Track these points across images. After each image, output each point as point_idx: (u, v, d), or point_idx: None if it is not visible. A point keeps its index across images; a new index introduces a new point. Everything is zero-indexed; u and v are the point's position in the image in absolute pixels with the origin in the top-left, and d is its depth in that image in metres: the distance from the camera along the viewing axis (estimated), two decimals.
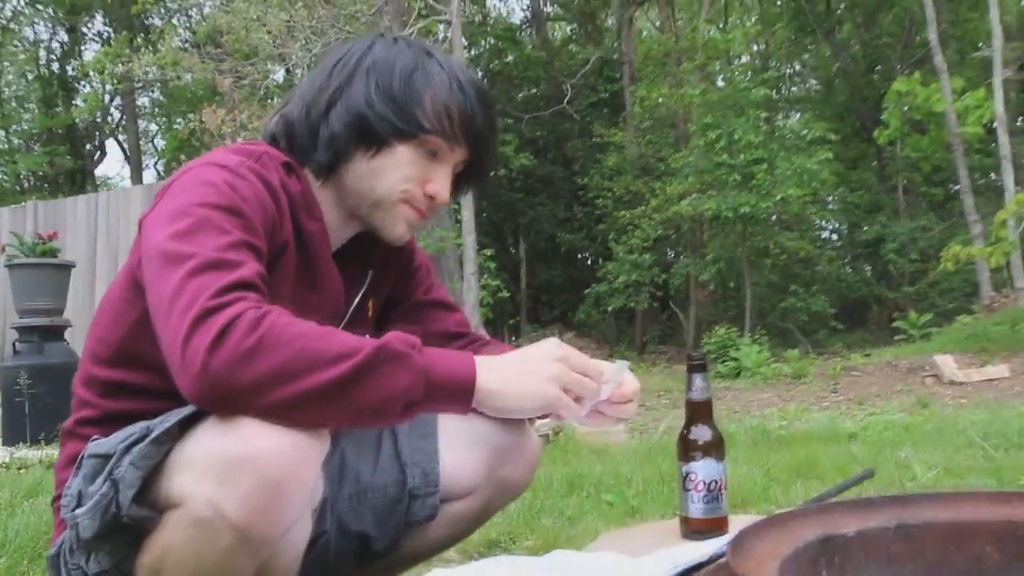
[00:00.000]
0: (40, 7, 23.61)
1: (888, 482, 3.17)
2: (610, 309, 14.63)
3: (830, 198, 16.94)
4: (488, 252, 13.38)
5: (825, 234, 20.94)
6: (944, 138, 13.83)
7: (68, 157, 23.09)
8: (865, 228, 16.53)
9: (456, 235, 11.73)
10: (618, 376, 1.33)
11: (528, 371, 1.25)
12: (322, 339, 1.10)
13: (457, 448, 1.55)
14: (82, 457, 1.24)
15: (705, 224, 14.07)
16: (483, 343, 1.63)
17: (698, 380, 1.55)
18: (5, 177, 23.03)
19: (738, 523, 1.59)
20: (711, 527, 1.54)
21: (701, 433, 1.54)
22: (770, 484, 3.10)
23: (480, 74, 19.48)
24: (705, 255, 14.11)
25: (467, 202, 11.46)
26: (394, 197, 1.39)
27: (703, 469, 1.52)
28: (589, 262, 19.30)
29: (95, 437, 1.33)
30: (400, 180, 1.38)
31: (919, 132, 14.80)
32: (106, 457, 1.18)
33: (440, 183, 1.40)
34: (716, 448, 1.54)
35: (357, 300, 1.52)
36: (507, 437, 1.55)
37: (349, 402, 1.10)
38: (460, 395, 1.20)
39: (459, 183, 1.48)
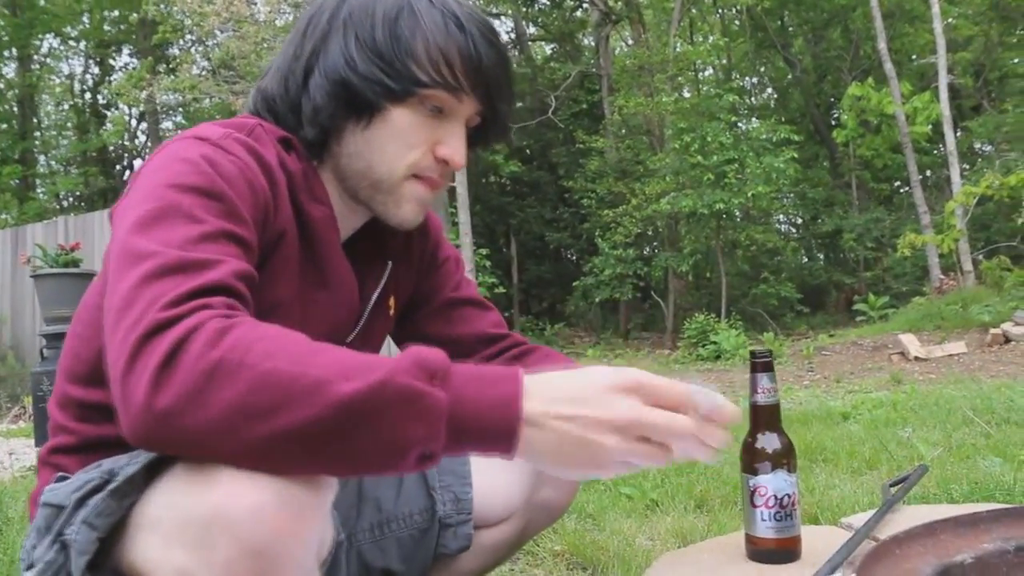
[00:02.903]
0: (73, 43, 23.32)
1: (899, 463, 2.84)
2: (596, 300, 14.31)
3: (790, 195, 16.69)
4: (484, 252, 13.17)
5: (784, 227, 20.81)
6: (895, 137, 13.56)
7: (101, 177, 22.77)
8: (823, 220, 16.30)
9: (455, 237, 11.43)
10: (709, 401, 0.81)
11: (589, 421, 0.77)
12: (300, 360, 0.72)
13: (491, 470, 1.19)
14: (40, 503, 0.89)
15: (682, 220, 13.75)
16: (525, 349, 1.26)
17: (764, 381, 1.20)
18: (46, 197, 22.76)
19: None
20: (783, 547, 1.19)
21: (770, 442, 1.19)
22: None
23: None
24: (682, 248, 13.82)
25: (463, 205, 11.17)
26: (397, 175, 1.02)
27: (774, 483, 1.17)
28: (575, 258, 19.05)
29: (61, 475, 0.98)
30: (403, 151, 1.01)
31: (871, 132, 14.56)
32: (59, 508, 0.83)
33: (453, 144, 1.02)
34: (788, 458, 1.19)
35: (375, 297, 1.15)
36: None
37: (339, 449, 0.71)
38: (497, 446, 0.77)
39: (476, 139, 1.09)
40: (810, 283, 16.81)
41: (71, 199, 24.06)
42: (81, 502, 0.79)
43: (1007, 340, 7.83)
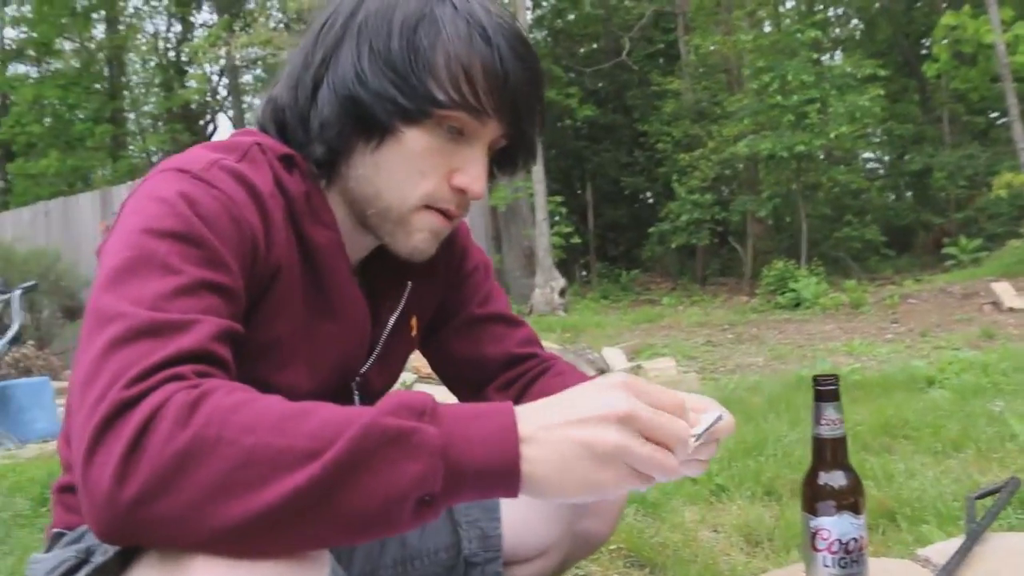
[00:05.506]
0: (155, 3, 23.81)
1: (988, 444, 2.63)
2: (673, 246, 13.98)
3: (878, 131, 15.82)
4: (558, 199, 12.98)
5: (870, 165, 19.86)
6: (992, 69, 12.63)
7: (187, 133, 23.34)
8: (912, 158, 15.42)
9: (528, 183, 11.29)
10: (710, 426, 0.78)
11: (583, 445, 0.69)
12: (284, 429, 0.64)
13: (524, 501, 1.10)
14: None
15: (760, 163, 13.21)
16: (551, 368, 1.15)
17: (829, 411, 1.05)
18: (136, 154, 23.54)
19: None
20: None
21: (834, 479, 1.05)
22: (862, 452, 2.58)
23: (545, 33, 18.74)
24: (761, 192, 13.31)
25: (537, 152, 10.97)
26: (408, 205, 0.90)
27: (838, 525, 1.04)
28: (651, 202, 18.65)
29: (57, 532, 0.92)
30: (415, 178, 0.89)
31: (964, 64, 13.60)
32: None
33: (471, 172, 0.90)
34: (855, 497, 1.05)
35: (393, 320, 1.05)
36: None
37: (332, 514, 0.64)
38: (499, 482, 0.69)
39: (499, 163, 0.97)
40: (896, 224, 16.00)
41: (160, 155, 24.82)
42: None
43: None
